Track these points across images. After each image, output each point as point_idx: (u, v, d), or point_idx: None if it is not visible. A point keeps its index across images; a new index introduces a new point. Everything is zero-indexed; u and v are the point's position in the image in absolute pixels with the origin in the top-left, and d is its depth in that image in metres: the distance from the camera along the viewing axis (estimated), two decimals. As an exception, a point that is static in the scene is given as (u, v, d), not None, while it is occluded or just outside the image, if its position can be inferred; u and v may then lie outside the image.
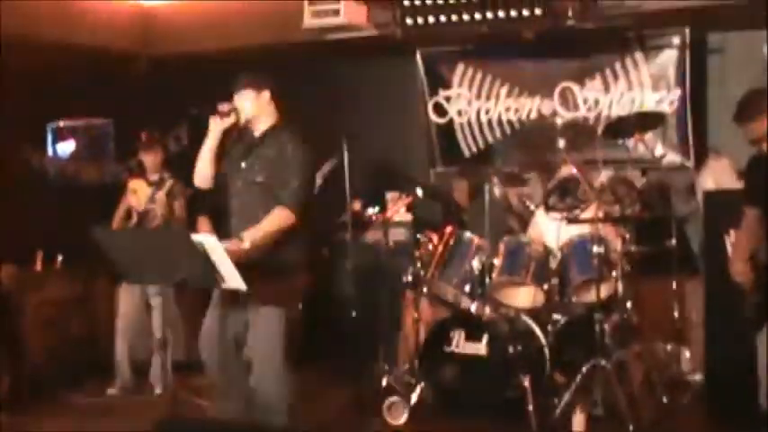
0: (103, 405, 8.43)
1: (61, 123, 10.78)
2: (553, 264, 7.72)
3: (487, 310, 7.66)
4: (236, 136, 6.41)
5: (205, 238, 5.72)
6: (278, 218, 6.06)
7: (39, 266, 9.34)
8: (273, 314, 6.14)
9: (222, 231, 7.02)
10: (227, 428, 5.54)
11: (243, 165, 6.29)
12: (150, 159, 8.87)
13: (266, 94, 6.32)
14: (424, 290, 8.08)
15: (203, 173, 6.38)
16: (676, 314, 8.03)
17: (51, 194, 10.32)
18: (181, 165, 9.26)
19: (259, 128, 6.35)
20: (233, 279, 5.73)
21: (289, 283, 6.23)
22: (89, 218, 6.60)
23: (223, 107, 6.23)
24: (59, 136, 10.79)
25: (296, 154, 6.20)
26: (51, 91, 9.88)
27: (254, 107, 6.29)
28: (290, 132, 6.31)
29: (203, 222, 8.32)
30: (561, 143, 7.79)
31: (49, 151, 10.64)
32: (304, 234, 6.25)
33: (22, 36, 9.06)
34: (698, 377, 7.93)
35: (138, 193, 8.79)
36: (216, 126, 6.24)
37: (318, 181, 7.94)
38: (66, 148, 10.82)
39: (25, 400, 8.22)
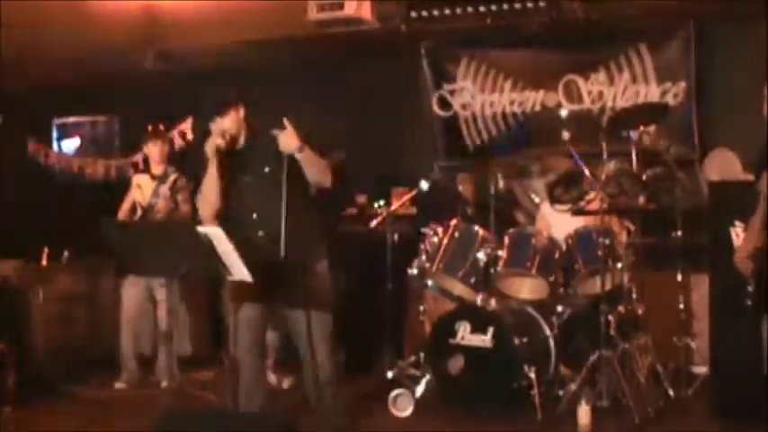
0: (110, 399, 8.43)
1: (66, 119, 10.80)
2: (558, 255, 7.71)
3: (493, 302, 7.66)
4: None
5: (211, 229, 5.74)
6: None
7: (45, 262, 9.35)
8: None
9: (228, 225, 7.08)
10: (229, 419, 5.54)
11: (246, 180, 6.40)
12: (156, 151, 8.88)
13: (242, 110, 6.41)
14: (430, 283, 8.08)
15: (214, 202, 6.43)
16: (681, 306, 8.02)
17: (57, 190, 10.36)
18: (185, 160, 9.31)
19: (241, 141, 6.44)
20: (239, 271, 5.74)
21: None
22: (95, 213, 6.60)
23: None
24: (65, 132, 10.81)
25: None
26: (57, 87, 9.89)
27: (238, 126, 6.38)
28: (261, 130, 6.42)
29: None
30: (565, 135, 7.78)
31: (55, 147, 10.67)
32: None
33: (28, 30, 9.07)
34: (703, 369, 7.92)
35: (143, 188, 8.81)
36: (214, 151, 6.30)
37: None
38: (72, 144, 10.85)
39: (32, 395, 8.21)
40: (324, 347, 6.54)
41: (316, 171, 6.36)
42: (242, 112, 6.41)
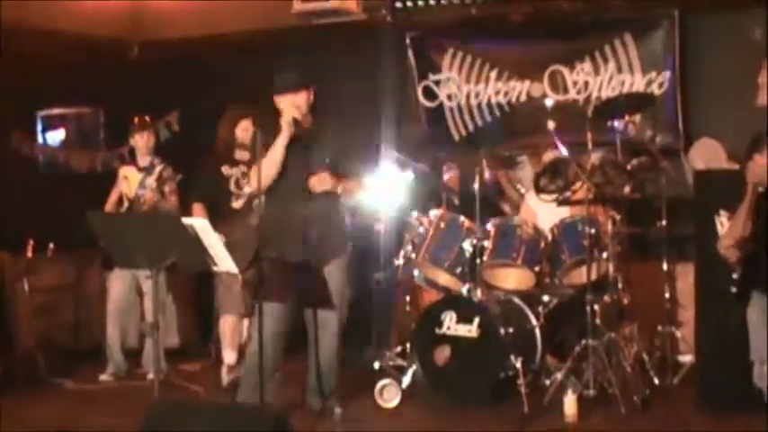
0: (95, 391, 8.42)
1: (51, 111, 10.76)
2: (544, 246, 7.72)
3: (479, 292, 7.66)
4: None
5: (196, 221, 5.74)
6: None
7: (30, 254, 9.32)
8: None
9: (217, 218, 7.13)
10: (217, 412, 5.54)
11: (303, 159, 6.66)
12: (142, 141, 8.84)
13: (312, 95, 6.73)
14: (416, 272, 8.09)
15: (273, 174, 6.61)
16: (667, 295, 8.06)
17: (42, 182, 10.32)
18: (171, 151, 9.29)
19: (308, 123, 6.72)
20: (225, 262, 5.74)
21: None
22: (80, 205, 6.60)
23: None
24: (49, 124, 10.77)
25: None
26: (41, 78, 9.85)
27: (308, 107, 6.70)
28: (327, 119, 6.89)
29: (198, 209, 8.29)
30: (551, 125, 7.79)
31: (40, 139, 10.64)
32: None
33: (12, 23, 9.04)
34: (689, 358, 7.94)
35: (129, 180, 8.78)
36: (290, 122, 6.55)
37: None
38: (56, 136, 10.81)
39: (17, 387, 8.20)
40: (335, 341, 6.68)
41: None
42: (312, 96, 6.69)
